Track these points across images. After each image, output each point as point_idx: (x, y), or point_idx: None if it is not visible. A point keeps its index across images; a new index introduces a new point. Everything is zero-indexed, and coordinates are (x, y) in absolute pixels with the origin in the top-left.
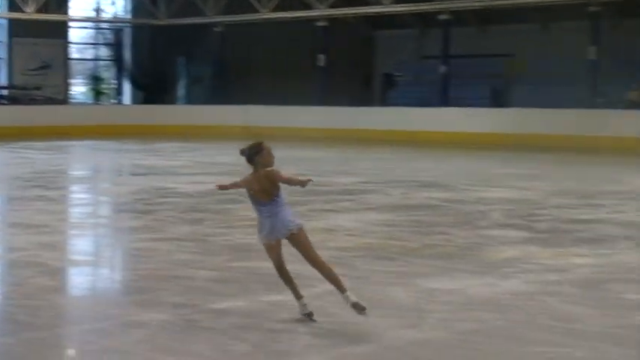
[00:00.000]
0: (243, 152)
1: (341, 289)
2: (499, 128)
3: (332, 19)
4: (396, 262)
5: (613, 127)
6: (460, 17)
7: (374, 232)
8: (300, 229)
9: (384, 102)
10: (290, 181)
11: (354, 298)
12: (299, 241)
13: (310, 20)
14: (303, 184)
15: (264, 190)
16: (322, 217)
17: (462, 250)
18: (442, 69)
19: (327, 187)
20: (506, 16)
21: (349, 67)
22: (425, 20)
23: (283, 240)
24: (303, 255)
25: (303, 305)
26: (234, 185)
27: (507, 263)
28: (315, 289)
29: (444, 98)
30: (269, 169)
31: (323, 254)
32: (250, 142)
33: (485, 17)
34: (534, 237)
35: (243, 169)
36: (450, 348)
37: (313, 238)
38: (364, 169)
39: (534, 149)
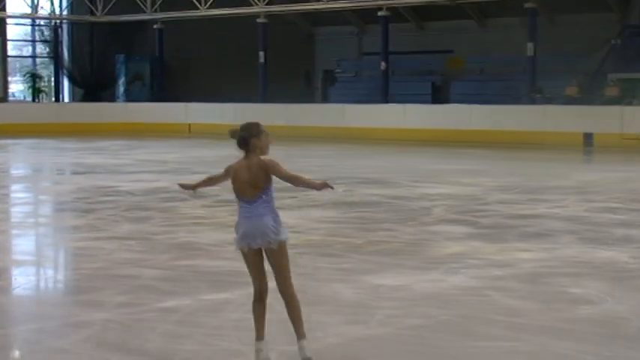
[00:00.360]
0: (233, 134)
1: (299, 333)
2: (440, 124)
3: (272, 16)
4: (341, 258)
5: (552, 122)
6: (399, 14)
7: (318, 228)
8: (282, 246)
9: (325, 99)
10: (296, 181)
11: (308, 353)
12: (275, 258)
13: (250, 17)
14: (318, 187)
15: (254, 183)
16: None
17: (408, 246)
18: (382, 65)
19: None
20: (444, 13)
21: (290, 64)
22: (364, 17)
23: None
24: (274, 275)
25: (259, 350)
26: (208, 182)
27: (452, 259)
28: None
29: (384, 95)
30: (268, 158)
31: None
32: (244, 123)
33: (423, 13)
34: (479, 232)
35: (189, 166)
36: (396, 344)
37: None
38: (306, 166)
39: (476, 145)
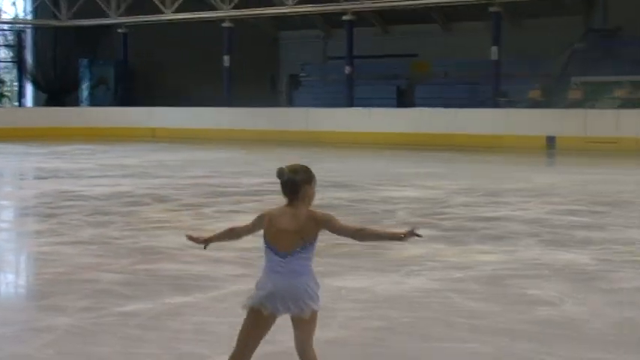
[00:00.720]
0: (281, 174)
1: None
2: (404, 128)
3: (237, 20)
4: None
5: (516, 125)
6: (364, 18)
7: None
8: (313, 315)
9: (290, 103)
10: (365, 235)
11: None
12: (301, 327)
13: (215, 21)
14: (402, 238)
15: (299, 234)
16: (228, 217)
17: (368, 248)
18: (347, 69)
19: (233, 188)
20: (409, 17)
21: (255, 68)
22: (329, 21)
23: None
24: (296, 339)
25: None
26: (229, 234)
27: (413, 261)
28: (223, 290)
29: (349, 99)
30: (320, 211)
31: (228, 255)
32: (293, 164)
33: (388, 18)
34: (440, 235)
35: (151, 170)
36: (357, 346)
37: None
38: (270, 170)
39: (439, 148)
